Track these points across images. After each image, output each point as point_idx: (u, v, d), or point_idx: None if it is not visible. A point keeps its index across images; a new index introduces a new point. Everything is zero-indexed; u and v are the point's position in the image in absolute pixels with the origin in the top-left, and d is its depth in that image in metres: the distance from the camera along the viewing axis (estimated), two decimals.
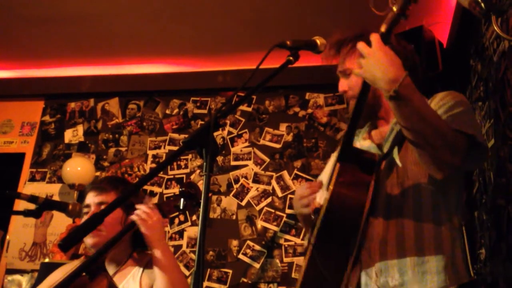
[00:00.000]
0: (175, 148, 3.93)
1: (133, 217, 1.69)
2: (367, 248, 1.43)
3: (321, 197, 1.50)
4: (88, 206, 1.90)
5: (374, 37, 1.30)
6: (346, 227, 1.36)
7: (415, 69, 1.56)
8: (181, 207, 1.79)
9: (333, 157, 1.83)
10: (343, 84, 1.62)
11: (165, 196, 3.78)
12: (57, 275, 1.92)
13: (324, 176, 1.79)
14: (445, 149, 1.31)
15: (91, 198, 1.91)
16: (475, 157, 1.39)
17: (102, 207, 1.86)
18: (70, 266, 1.95)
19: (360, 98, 1.40)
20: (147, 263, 1.87)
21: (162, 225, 1.72)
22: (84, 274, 1.50)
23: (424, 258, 1.38)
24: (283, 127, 3.83)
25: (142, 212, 1.71)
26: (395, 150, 1.48)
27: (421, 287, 1.35)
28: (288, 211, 3.57)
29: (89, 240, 1.83)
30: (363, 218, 1.34)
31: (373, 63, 1.28)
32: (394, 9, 1.29)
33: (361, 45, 1.32)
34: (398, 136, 1.47)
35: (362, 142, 1.63)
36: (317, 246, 1.39)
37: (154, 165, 3.89)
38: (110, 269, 1.85)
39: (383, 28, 1.32)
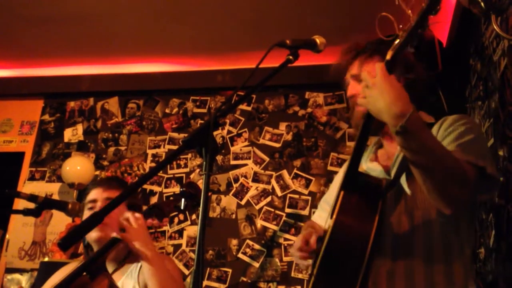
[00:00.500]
0: (174, 147, 3.93)
1: (114, 234, 1.65)
2: (374, 281, 1.36)
3: (326, 223, 1.45)
4: (94, 201, 1.92)
5: (379, 67, 1.24)
6: (350, 258, 1.29)
7: (417, 80, 1.51)
8: (181, 208, 1.78)
9: (339, 176, 1.77)
10: (355, 88, 1.52)
11: (164, 195, 3.78)
12: (60, 276, 1.92)
13: (329, 197, 1.74)
14: (453, 185, 1.25)
15: (99, 194, 1.92)
16: (485, 188, 1.34)
17: None
18: (72, 266, 1.96)
19: (364, 127, 1.35)
20: None
21: (146, 232, 1.68)
22: (84, 274, 1.50)
23: None
24: (282, 126, 3.83)
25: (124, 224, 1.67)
26: (403, 177, 1.42)
27: None
28: (287, 210, 3.57)
29: (93, 234, 1.83)
30: (368, 249, 1.27)
31: (377, 95, 1.21)
32: (400, 37, 1.24)
33: (365, 75, 1.26)
34: (406, 160, 1.39)
35: (369, 165, 1.57)
36: (319, 277, 1.33)
37: (153, 164, 3.89)
38: (110, 267, 1.86)
39: (388, 56, 1.27)
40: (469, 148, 1.32)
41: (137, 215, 1.69)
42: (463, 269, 1.35)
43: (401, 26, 1.27)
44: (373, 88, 1.23)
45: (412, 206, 1.40)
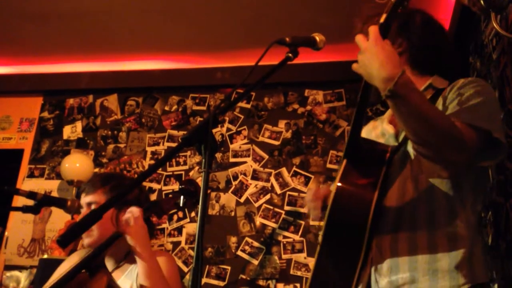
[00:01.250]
0: (174, 144, 3.93)
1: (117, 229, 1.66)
2: (378, 245, 1.38)
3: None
4: (81, 207, 1.93)
5: (372, 30, 1.23)
6: (352, 225, 1.31)
7: (425, 44, 1.51)
8: (180, 205, 1.78)
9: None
10: None
11: (163, 192, 3.78)
12: (64, 269, 1.92)
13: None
14: (448, 149, 1.24)
15: (82, 199, 1.93)
16: (490, 153, 1.31)
17: (92, 206, 1.88)
18: (76, 256, 1.96)
19: (363, 93, 1.34)
20: None
21: (144, 231, 1.68)
22: (83, 271, 1.50)
23: (437, 256, 1.32)
24: (282, 124, 3.83)
25: (125, 220, 1.67)
26: (410, 141, 1.40)
27: (432, 285, 1.30)
28: (286, 208, 3.58)
29: (85, 241, 1.86)
30: (369, 216, 1.28)
31: (368, 59, 1.21)
32: None
33: (358, 38, 1.25)
34: None
35: (385, 125, 1.56)
36: (324, 245, 1.35)
37: (152, 162, 3.89)
38: (109, 265, 1.86)
39: (382, 19, 1.27)
40: (474, 112, 1.30)
41: (136, 213, 1.69)
42: (467, 233, 1.34)
43: None
44: (365, 53, 1.23)
45: (417, 171, 1.39)
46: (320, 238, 1.38)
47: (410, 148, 1.42)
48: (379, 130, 1.59)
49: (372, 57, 1.21)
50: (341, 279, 1.34)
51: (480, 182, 1.44)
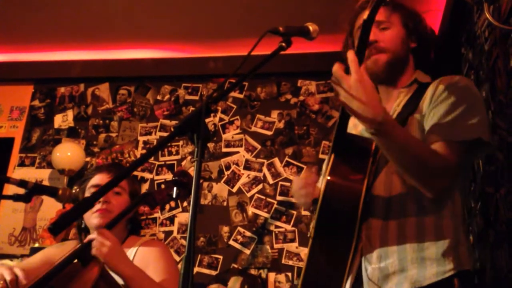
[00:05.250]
0: (166, 134, 3.91)
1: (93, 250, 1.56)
2: (368, 235, 1.43)
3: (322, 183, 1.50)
4: (98, 186, 1.89)
5: (352, 60, 1.25)
6: (343, 218, 1.37)
7: (423, 41, 1.60)
8: (173, 196, 1.78)
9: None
10: (375, 35, 1.54)
11: (156, 182, 3.77)
12: (55, 251, 1.91)
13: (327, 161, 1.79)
14: (431, 178, 1.34)
15: (104, 179, 1.90)
16: (477, 154, 1.43)
17: (116, 190, 1.87)
18: (67, 246, 1.95)
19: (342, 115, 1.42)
20: (141, 244, 1.87)
21: (119, 249, 1.60)
22: (76, 260, 1.49)
23: (424, 245, 1.38)
24: (274, 114, 3.83)
25: (95, 242, 1.56)
26: None
27: (421, 272, 1.36)
28: (278, 198, 3.58)
29: (95, 220, 1.81)
30: (359, 207, 1.35)
31: (351, 98, 1.26)
32: None
33: (336, 69, 1.26)
34: (397, 119, 1.47)
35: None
36: (316, 239, 1.40)
37: (145, 151, 3.87)
38: None
39: (365, 15, 1.30)
40: (460, 125, 1.38)
41: (104, 235, 1.57)
42: (452, 222, 1.42)
43: None
44: (348, 91, 1.27)
45: None
46: (311, 230, 1.43)
47: None
48: (359, 128, 1.64)
49: (356, 96, 1.26)
50: (333, 269, 1.39)
51: (465, 174, 1.52)
